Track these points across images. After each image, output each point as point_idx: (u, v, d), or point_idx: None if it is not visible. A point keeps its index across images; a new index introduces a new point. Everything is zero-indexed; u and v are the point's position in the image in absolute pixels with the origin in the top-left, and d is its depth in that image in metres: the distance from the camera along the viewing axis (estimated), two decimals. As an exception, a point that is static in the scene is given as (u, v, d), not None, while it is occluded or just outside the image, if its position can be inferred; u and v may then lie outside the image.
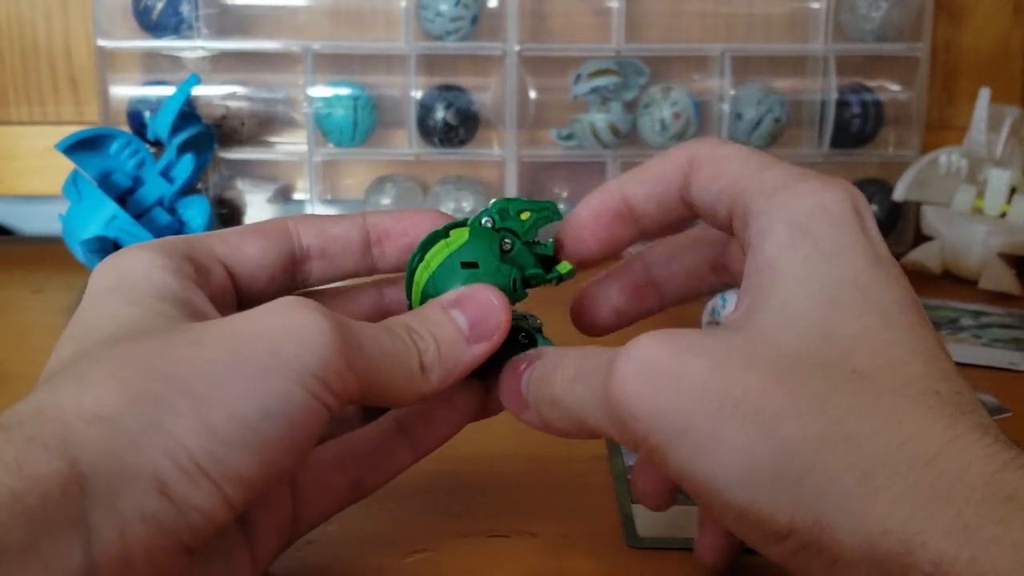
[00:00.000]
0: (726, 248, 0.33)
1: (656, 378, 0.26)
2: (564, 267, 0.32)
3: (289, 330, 0.26)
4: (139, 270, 0.29)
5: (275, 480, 0.26)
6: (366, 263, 0.34)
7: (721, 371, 0.25)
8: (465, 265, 0.31)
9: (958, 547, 0.22)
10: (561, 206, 0.33)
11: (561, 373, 0.29)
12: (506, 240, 0.32)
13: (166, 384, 0.25)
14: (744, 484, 0.24)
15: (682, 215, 0.32)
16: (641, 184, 0.32)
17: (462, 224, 0.32)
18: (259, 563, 0.31)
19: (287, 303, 0.27)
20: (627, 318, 0.34)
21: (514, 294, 0.31)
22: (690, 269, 0.34)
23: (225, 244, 0.32)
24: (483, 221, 0.32)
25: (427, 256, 0.32)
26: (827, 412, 0.24)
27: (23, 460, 0.22)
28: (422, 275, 0.32)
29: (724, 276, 0.34)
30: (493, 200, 0.33)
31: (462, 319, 0.30)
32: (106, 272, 0.30)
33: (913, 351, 0.25)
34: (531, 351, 0.31)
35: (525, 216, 0.32)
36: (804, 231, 0.27)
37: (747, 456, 0.24)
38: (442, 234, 0.32)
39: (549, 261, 0.32)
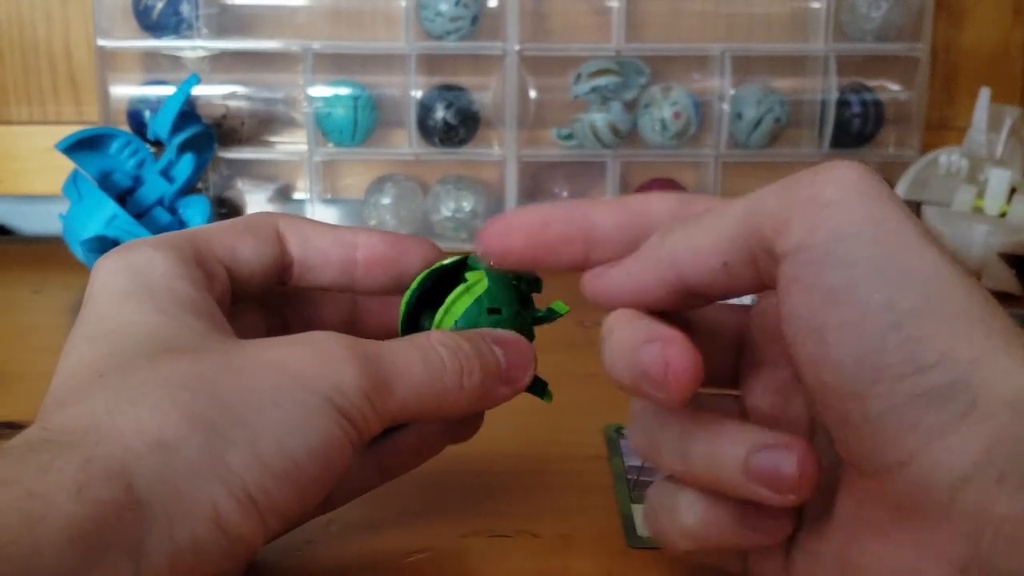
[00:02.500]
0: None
1: (870, 185, 0.24)
2: (561, 307, 0.34)
3: (327, 369, 0.27)
4: (157, 275, 0.29)
5: (307, 514, 0.27)
6: (344, 281, 0.33)
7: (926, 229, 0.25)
8: (491, 311, 0.32)
9: None
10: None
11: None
12: (521, 286, 0.33)
13: (221, 412, 0.25)
14: (921, 294, 0.23)
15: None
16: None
17: (461, 263, 0.33)
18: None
19: (323, 338, 0.28)
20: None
21: (530, 337, 0.33)
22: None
23: (222, 246, 0.32)
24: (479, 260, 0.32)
25: (448, 301, 0.32)
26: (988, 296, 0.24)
27: (83, 483, 0.22)
28: (444, 320, 0.32)
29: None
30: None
31: (503, 358, 0.31)
32: (118, 270, 0.29)
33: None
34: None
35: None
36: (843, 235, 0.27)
37: (937, 273, 0.23)
38: (443, 270, 0.33)
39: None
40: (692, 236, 0.27)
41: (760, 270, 0.26)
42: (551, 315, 0.34)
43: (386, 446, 0.33)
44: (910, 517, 0.23)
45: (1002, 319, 0.23)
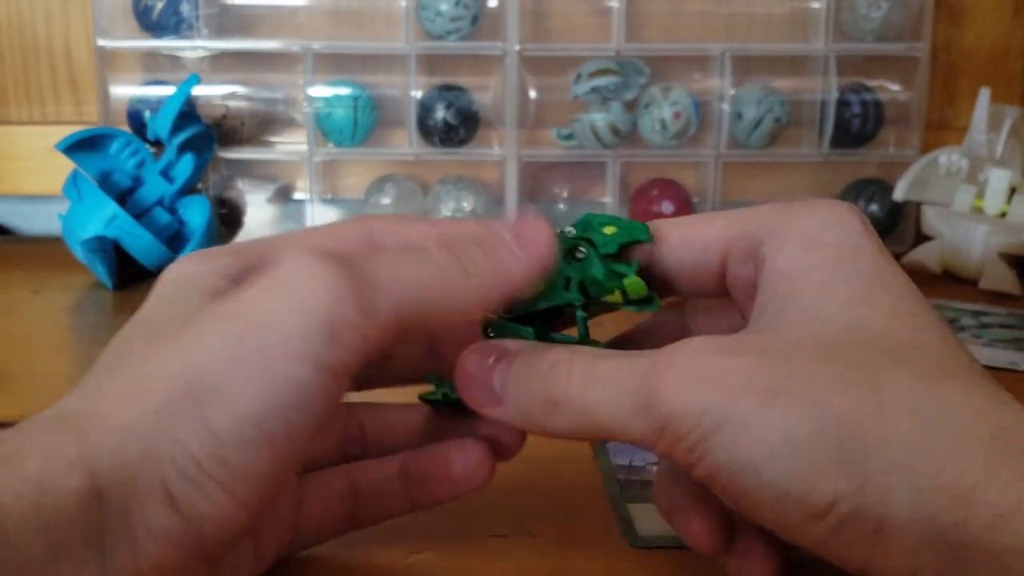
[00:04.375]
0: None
1: (701, 378, 0.25)
2: (633, 284, 0.29)
3: (289, 296, 0.24)
4: (191, 276, 0.28)
5: (293, 467, 0.25)
6: None
7: (764, 364, 0.25)
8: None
9: (1020, 496, 0.22)
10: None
11: (570, 374, 0.27)
12: (580, 248, 0.30)
13: (170, 386, 0.24)
14: (786, 460, 0.24)
15: None
16: None
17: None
18: (259, 569, 0.31)
19: (288, 260, 0.25)
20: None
21: (565, 293, 0.29)
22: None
23: (291, 250, 0.29)
24: (566, 230, 0.31)
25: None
26: (871, 385, 0.24)
27: (46, 472, 0.22)
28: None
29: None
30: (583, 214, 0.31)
31: (507, 232, 0.28)
32: (164, 277, 0.29)
33: (939, 334, 0.26)
34: (497, 342, 0.29)
35: (608, 230, 0.30)
36: (817, 240, 0.27)
37: (789, 433, 0.24)
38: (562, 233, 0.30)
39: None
40: (584, 416, 0.28)
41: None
42: (610, 285, 0.30)
43: (417, 476, 0.32)
44: None
45: (878, 423, 0.24)
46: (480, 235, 0.27)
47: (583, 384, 0.27)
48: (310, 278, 0.24)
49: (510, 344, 0.29)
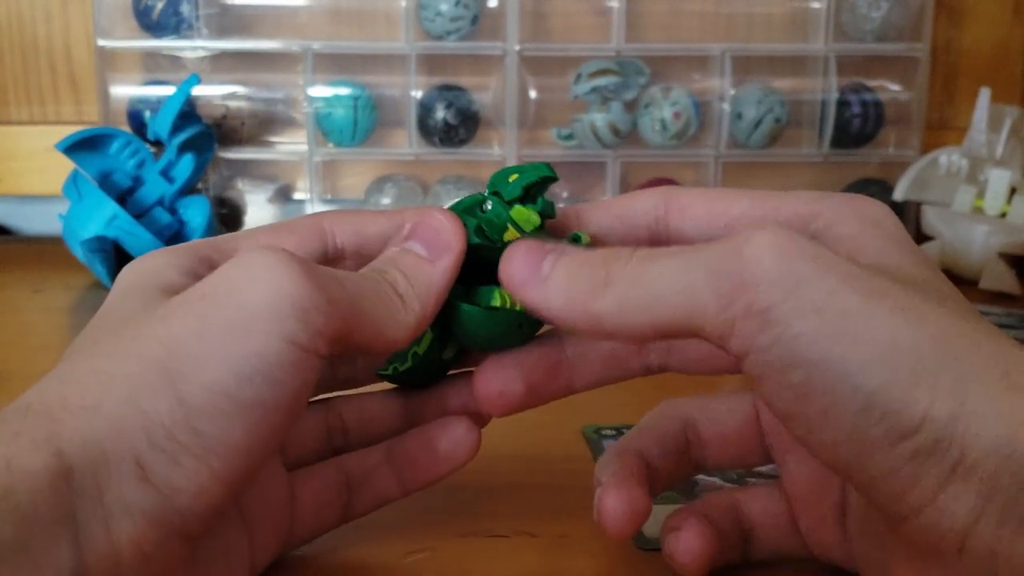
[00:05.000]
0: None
1: (799, 251, 0.24)
2: (519, 213, 0.30)
3: (257, 278, 0.25)
4: (148, 268, 0.29)
5: (269, 442, 0.25)
6: None
7: (863, 271, 0.24)
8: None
9: None
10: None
11: (631, 254, 0.26)
12: (487, 202, 0.31)
13: (140, 364, 0.24)
14: (882, 368, 0.22)
15: None
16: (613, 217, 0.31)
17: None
18: (256, 566, 0.31)
19: (247, 252, 0.26)
20: (536, 397, 0.31)
21: (472, 239, 0.30)
22: (608, 351, 0.32)
23: (251, 244, 0.31)
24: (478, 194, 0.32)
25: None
26: (966, 321, 0.24)
27: (11, 456, 0.22)
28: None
29: (657, 351, 0.32)
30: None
31: (416, 245, 0.30)
32: (122, 275, 0.30)
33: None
34: (556, 244, 0.29)
35: (512, 178, 0.31)
36: (877, 222, 0.28)
37: (892, 340, 0.23)
38: (471, 198, 0.32)
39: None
40: (622, 308, 0.26)
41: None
42: (500, 219, 0.31)
43: (403, 459, 0.33)
44: (932, 558, 0.24)
45: (977, 353, 0.23)
46: (395, 260, 0.29)
47: (645, 259, 0.26)
48: (276, 264, 0.25)
49: (558, 245, 0.29)
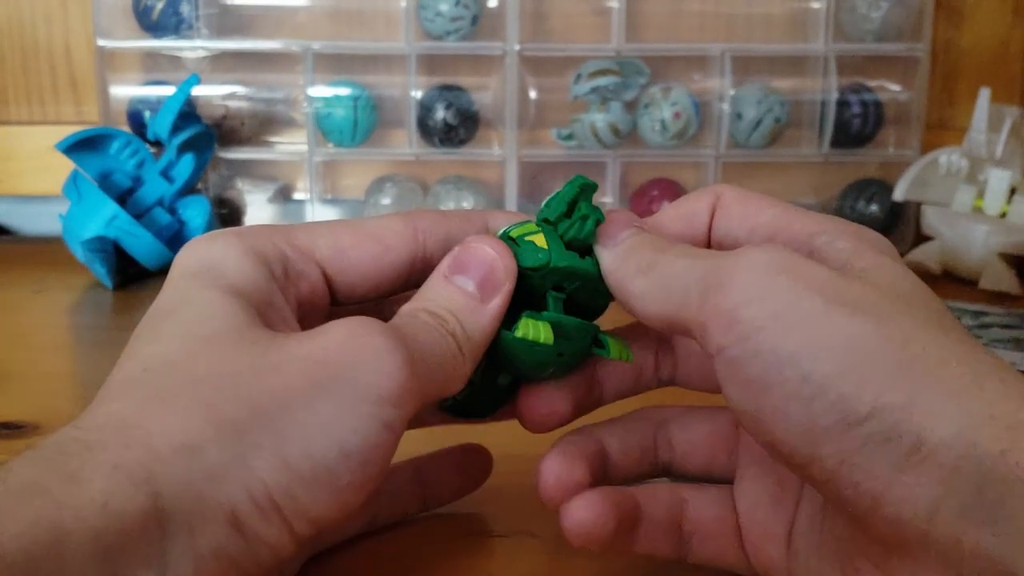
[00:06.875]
0: (671, 340, 0.33)
1: (781, 265, 0.25)
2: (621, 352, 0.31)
3: (366, 358, 0.26)
4: (228, 263, 0.28)
5: (345, 516, 0.26)
6: None
7: (839, 278, 0.25)
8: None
9: None
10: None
11: (672, 244, 0.29)
12: (537, 225, 0.31)
13: (249, 413, 0.24)
14: (833, 359, 0.24)
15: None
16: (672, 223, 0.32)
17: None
18: (285, 572, 0.31)
19: (359, 325, 0.26)
20: (579, 413, 0.33)
21: (523, 262, 0.30)
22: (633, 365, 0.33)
23: (333, 247, 0.30)
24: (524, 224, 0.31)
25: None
26: (939, 329, 0.24)
27: (110, 494, 0.22)
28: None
29: (667, 368, 0.33)
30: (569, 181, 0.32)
31: (467, 282, 0.29)
32: (197, 257, 0.28)
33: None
34: (645, 221, 0.31)
35: (553, 201, 0.31)
36: (874, 244, 0.28)
37: (847, 336, 0.24)
38: (522, 223, 0.31)
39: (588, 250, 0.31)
40: (646, 293, 0.28)
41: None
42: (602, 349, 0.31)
43: (429, 478, 0.35)
44: (898, 552, 0.24)
45: (939, 355, 0.24)
46: (449, 302, 0.29)
47: (676, 255, 0.28)
48: (389, 349, 0.26)
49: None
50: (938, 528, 0.22)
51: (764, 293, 0.25)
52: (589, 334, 0.31)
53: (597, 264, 0.30)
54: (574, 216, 0.30)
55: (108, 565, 0.22)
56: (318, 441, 0.25)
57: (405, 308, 0.29)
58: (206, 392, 0.25)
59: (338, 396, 0.25)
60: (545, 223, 0.30)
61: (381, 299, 0.32)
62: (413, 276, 0.31)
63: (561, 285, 0.30)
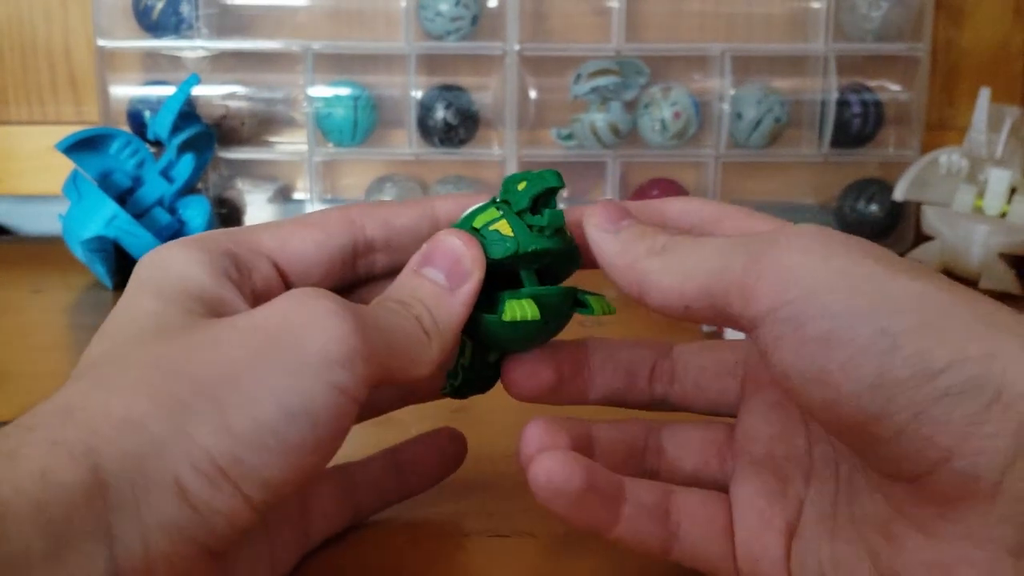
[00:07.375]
0: (669, 354, 0.33)
1: (834, 237, 0.26)
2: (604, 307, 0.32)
3: (309, 322, 0.26)
4: (174, 265, 0.29)
5: (302, 479, 0.26)
6: None
7: (886, 249, 0.26)
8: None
9: None
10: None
11: (686, 236, 0.29)
12: (499, 210, 0.31)
13: (190, 387, 0.24)
14: (911, 313, 0.23)
15: None
16: None
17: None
18: (277, 571, 0.31)
19: (303, 294, 0.27)
20: (561, 388, 0.33)
21: (490, 254, 0.31)
22: (626, 363, 0.33)
23: (275, 238, 0.31)
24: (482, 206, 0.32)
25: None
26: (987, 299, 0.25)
27: (47, 468, 0.22)
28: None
29: (661, 381, 0.33)
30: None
31: (436, 273, 0.30)
32: (145, 265, 0.29)
33: None
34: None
35: (521, 186, 0.32)
36: (874, 247, 0.28)
37: (920, 293, 0.24)
38: (483, 208, 0.32)
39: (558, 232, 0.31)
40: (665, 270, 0.29)
41: (719, 318, 0.28)
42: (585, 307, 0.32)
43: (406, 465, 0.35)
44: (957, 508, 0.24)
45: (1008, 314, 0.24)
46: (417, 291, 0.30)
47: (700, 239, 0.29)
48: (332, 312, 0.26)
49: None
50: (1011, 482, 0.22)
51: (824, 254, 0.25)
52: (570, 297, 0.32)
53: (563, 238, 0.31)
54: (538, 218, 0.31)
55: (52, 539, 0.21)
56: (261, 405, 0.25)
57: (374, 300, 0.30)
58: (148, 373, 0.25)
59: (281, 360, 0.25)
60: (504, 204, 0.31)
61: (342, 287, 0.33)
62: (360, 261, 0.32)
63: (530, 262, 0.31)
